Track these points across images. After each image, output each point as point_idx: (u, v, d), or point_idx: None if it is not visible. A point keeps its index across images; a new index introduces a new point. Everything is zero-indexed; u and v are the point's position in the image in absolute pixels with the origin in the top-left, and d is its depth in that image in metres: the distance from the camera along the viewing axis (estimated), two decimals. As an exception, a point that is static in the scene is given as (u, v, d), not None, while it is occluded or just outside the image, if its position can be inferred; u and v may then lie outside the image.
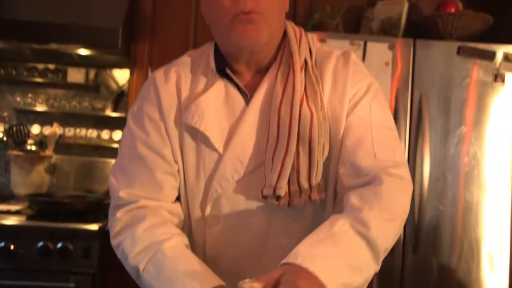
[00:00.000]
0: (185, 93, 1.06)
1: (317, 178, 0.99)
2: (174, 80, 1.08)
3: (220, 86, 1.06)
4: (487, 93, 2.25)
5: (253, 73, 1.08)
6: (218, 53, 1.09)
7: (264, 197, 0.99)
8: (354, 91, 1.04)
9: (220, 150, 1.02)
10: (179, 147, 1.06)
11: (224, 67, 1.06)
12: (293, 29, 1.09)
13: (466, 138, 2.24)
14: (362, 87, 1.05)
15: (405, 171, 0.99)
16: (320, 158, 0.99)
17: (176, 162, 1.06)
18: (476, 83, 2.25)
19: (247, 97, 1.06)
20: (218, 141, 1.02)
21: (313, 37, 1.11)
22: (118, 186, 1.05)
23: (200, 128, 1.02)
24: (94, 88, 2.97)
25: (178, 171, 1.06)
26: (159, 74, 1.11)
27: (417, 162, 2.23)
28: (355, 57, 1.09)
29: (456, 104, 2.25)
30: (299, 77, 1.01)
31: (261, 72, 1.07)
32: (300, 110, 0.98)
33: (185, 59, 1.13)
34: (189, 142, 1.05)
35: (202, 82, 1.07)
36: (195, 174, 1.05)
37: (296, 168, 0.98)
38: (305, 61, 1.05)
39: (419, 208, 2.19)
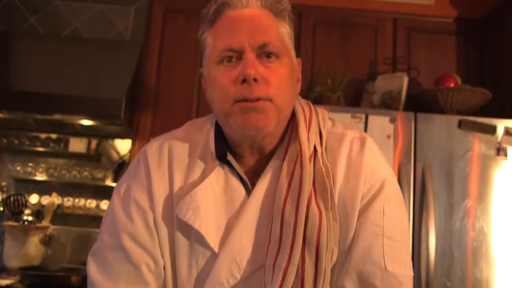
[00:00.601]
0: (178, 179, 0.95)
1: (324, 287, 0.86)
2: (167, 162, 0.97)
3: (219, 174, 0.95)
4: (490, 167, 2.23)
5: (257, 157, 0.97)
6: (218, 130, 0.98)
7: None
8: (368, 187, 0.92)
9: (216, 248, 0.91)
10: (169, 240, 0.95)
11: (225, 152, 0.95)
12: (302, 109, 0.98)
13: (471, 212, 2.20)
14: (376, 183, 0.93)
15: None
16: (328, 265, 0.86)
17: (162, 256, 0.95)
18: (479, 157, 2.24)
19: (249, 186, 0.95)
20: (213, 239, 0.91)
21: (323, 115, 1.00)
22: (102, 283, 0.93)
23: (195, 225, 0.90)
24: (95, 157, 2.97)
25: (164, 267, 0.96)
26: (151, 150, 1.00)
27: (422, 236, 2.18)
28: (371, 143, 0.98)
29: (459, 178, 2.23)
30: (308, 171, 0.89)
31: (266, 156, 0.97)
32: (308, 209, 0.86)
33: (182, 135, 1.02)
34: (181, 236, 0.93)
35: (199, 167, 0.96)
36: (187, 271, 0.93)
37: (300, 276, 0.85)
38: (315, 149, 0.93)
39: (426, 284, 2.11)
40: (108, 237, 0.96)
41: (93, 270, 0.95)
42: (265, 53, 0.89)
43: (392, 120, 2.26)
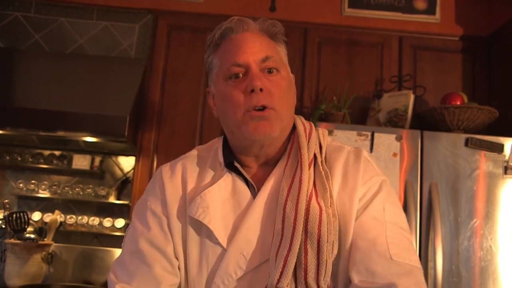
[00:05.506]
0: (191, 185, 1.06)
1: (326, 278, 0.93)
2: (180, 173, 1.08)
3: (227, 179, 1.05)
4: (497, 185, 2.21)
5: (262, 166, 1.08)
6: (226, 147, 1.09)
7: None
8: (365, 189, 1.01)
9: (224, 244, 0.99)
10: (182, 241, 1.03)
11: (232, 161, 1.06)
12: (302, 124, 1.09)
13: (478, 231, 2.17)
14: (374, 186, 1.02)
15: (420, 279, 0.94)
16: (329, 257, 0.94)
17: (177, 258, 1.03)
18: (486, 175, 2.21)
19: (255, 190, 1.04)
20: (222, 235, 1.00)
21: (323, 132, 1.10)
22: (116, 280, 1.01)
23: (204, 221, 1.00)
24: (98, 174, 2.95)
25: (179, 267, 1.03)
26: (165, 168, 1.11)
27: (429, 255, 2.15)
28: (366, 154, 1.07)
29: (467, 196, 2.20)
30: (307, 173, 0.99)
31: (270, 165, 1.07)
32: (309, 206, 0.95)
33: (193, 154, 1.14)
34: (192, 235, 1.02)
35: (209, 175, 1.07)
36: (197, 268, 1.01)
37: (303, 267, 0.92)
38: (315, 156, 1.03)
39: (433, 305, 2.07)
40: (127, 245, 1.06)
41: (112, 275, 1.03)
42: (267, 68, 1.02)
43: (398, 138, 2.24)
